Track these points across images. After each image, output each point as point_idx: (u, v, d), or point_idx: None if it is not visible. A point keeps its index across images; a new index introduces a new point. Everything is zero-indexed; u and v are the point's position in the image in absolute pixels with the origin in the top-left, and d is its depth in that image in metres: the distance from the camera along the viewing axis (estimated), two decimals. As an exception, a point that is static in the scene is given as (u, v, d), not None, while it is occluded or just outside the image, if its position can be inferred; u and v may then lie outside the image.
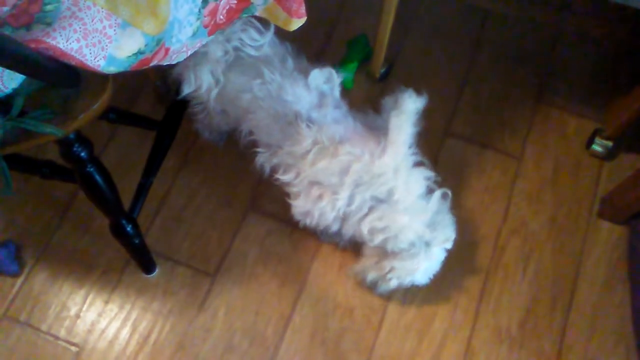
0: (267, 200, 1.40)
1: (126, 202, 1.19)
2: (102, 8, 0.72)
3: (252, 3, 0.93)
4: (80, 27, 0.72)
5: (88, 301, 1.31)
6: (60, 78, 0.81)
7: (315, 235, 1.35)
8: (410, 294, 1.31)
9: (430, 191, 1.13)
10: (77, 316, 1.30)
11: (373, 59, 1.49)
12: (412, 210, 1.09)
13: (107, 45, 0.74)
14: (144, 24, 0.75)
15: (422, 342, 1.28)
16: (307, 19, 0.98)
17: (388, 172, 1.06)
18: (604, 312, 1.30)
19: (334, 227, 1.17)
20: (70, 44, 0.72)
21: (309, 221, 1.17)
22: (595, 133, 1.43)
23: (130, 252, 1.27)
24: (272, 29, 1.15)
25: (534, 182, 1.44)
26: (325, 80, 1.16)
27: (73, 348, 1.27)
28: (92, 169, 1.03)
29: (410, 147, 1.09)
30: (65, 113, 0.86)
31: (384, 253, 1.15)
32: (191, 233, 1.38)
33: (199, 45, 0.91)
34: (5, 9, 0.65)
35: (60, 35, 0.71)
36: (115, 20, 0.73)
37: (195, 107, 1.27)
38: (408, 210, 1.09)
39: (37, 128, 0.83)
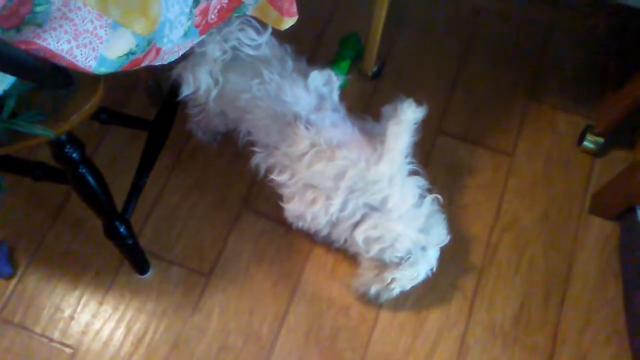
0: (261, 200, 1.40)
1: (119, 202, 1.19)
2: (92, 9, 0.72)
3: (243, 2, 0.93)
4: (70, 28, 0.71)
5: (82, 302, 1.31)
6: (51, 79, 0.81)
7: (309, 235, 1.35)
8: (404, 292, 1.32)
9: (422, 197, 1.14)
10: (71, 317, 1.29)
11: (365, 57, 1.49)
12: (405, 218, 1.09)
13: (98, 46, 0.74)
14: (135, 25, 0.75)
15: (417, 340, 1.28)
16: (298, 17, 0.98)
17: (383, 180, 1.06)
18: (597, 307, 1.31)
19: (325, 232, 1.17)
20: (61, 45, 0.72)
21: (301, 224, 1.17)
22: (587, 129, 1.44)
23: (123, 253, 1.27)
24: (269, 29, 1.15)
25: (526, 179, 1.44)
26: (325, 82, 1.16)
27: (67, 350, 1.26)
28: (84, 170, 1.03)
29: (406, 156, 1.10)
30: (57, 114, 0.86)
31: (382, 264, 1.15)
32: (185, 233, 1.38)
33: (190, 45, 0.91)
34: (-6, 10, 0.65)
35: (51, 37, 0.71)
36: (106, 20, 0.73)
37: (193, 108, 1.27)
38: (402, 219, 1.09)
39: (29, 129, 0.83)
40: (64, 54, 0.72)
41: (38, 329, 1.28)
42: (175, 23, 0.83)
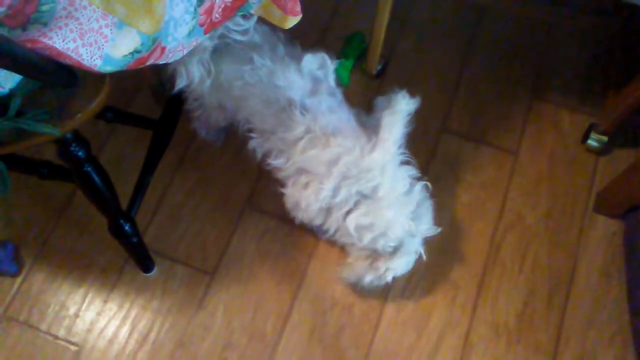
0: (264, 198, 1.41)
1: (124, 201, 1.20)
2: (97, 8, 0.72)
3: (247, 1, 0.93)
4: (76, 27, 0.72)
5: (87, 300, 1.31)
6: (57, 78, 0.82)
7: (312, 233, 1.36)
8: (408, 290, 1.32)
9: (412, 185, 1.14)
10: (76, 315, 1.30)
11: (369, 56, 1.49)
12: (396, 206, 1.10)
13: (103, 45, 0.75)
14: (140, 23, 0.75)
15: (421, 338, 1.28)
16: (302, 17, 0.98)
17: (375, 168, 1.07)
18: (601, 306, 1.31)
19: (318, 220, 1.17)
20: (66, 43, 0.72)
21: (300, 215, 1.17)
22: (591, 128, 1.44)
23: (128, 251, 1.27)
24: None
25: (530, 177, 1.44)
26: (319, 65, 1.15)
27: (72, 347, 1.27)
28: (89, 169, 1.03)
29: (400, 147, 1.10)
30: (62, 113, 0.86)
31: (373, 253, 1.16)
32: (189, 231, 1.38)
33: (194, 43, 0.91)
34: (1, 9, 0.66)
35: (57, 35, 0.71)
36: (111, 19, 0.74)
37: (192, 103, 1.27)
38: (392, 206, 1.10)
39: (35, 128, 0.84)
40: (69, 52, 0.73)
41: (43, 327, 1.29)
42: (180, 22, 0.83)
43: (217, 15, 0.90)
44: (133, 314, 1.30)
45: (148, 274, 1.33)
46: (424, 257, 1.17)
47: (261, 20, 1.12)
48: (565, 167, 1.45)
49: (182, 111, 1.37)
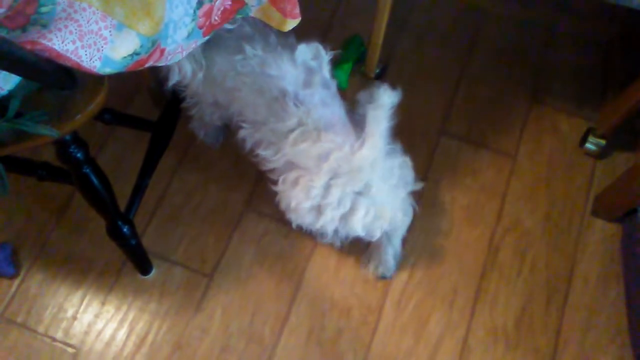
0: (263, 200, 1.41)
1: (122, 203, 1.20)
2: (97, 10, 0.72)
3: (246, 4, 0.94)
4: (75, 29, 0.72)
5: (85, 302, 1.31)
6: (56, 79, 0.82)
7: (311, 236, 1.35)
8: (406, 294, 1.32)
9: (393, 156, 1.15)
10: (74, 317, 1.30)
11: (368, 59, 1.49)
12: (391, 196, 1.12)
13: (102, 47, 0.75)
14: (139, 25, 0.76)
15: (419, 342, 1.28)
16: (301, 19, 0.98)
17: (366, 165, 1.07)
18: (599, 309, 1.31)
19: (309, 219, 1.16)
20: (65, 45, 0.72)
21: (294, 217, 1.16)
22: (589, 132, 1.44)
23: (126, 253, 1.27)
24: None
25: (528, 180, 1.44)
26: (313, 56, 1.14)
27: (70, 349, 1.27)
28: (88, 170, 1.03)
29: (386, 140, 1.10)
30: (61, 114, 0.86)
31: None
32: (188, 234, 1.38)
33: (194, 46, 0.92)
34: (1, 10, 0.66)
35: (56, 37, 0.71)
36: (111, 21, 0.74)
37: (188, 101, 1.27)
38: (388, 198, 1.11)
39: (33, 129, 0.84)
40: (69, 54, 0.73)
41: (41, 329, 1.28)
42: (179, 24, 0.83)
43: (216, 18, 0.90)
44: (131, 316, 1.30)
45: (146, 276, 1.33)
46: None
47: None
48: (564, 170, 1.46)
49: (180, 113, 1.37)
